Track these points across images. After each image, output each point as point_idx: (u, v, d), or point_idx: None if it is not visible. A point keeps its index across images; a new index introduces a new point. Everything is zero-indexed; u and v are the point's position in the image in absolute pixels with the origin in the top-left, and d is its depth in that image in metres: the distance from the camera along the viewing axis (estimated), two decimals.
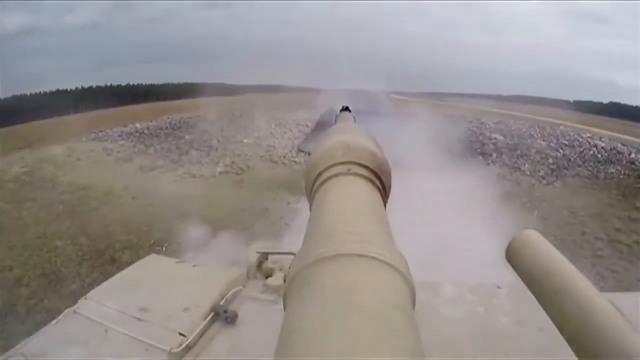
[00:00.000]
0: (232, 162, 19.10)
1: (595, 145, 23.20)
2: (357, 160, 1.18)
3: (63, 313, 1.96)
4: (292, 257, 2.40)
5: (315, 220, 0.92)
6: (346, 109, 2.78)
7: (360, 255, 0.67)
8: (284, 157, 20.01)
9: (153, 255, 2.76)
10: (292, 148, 21.39)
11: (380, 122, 11.48)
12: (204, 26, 60.13)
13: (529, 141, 23.41)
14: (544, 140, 23.83)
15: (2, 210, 13.06)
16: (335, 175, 1.15)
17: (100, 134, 24.03)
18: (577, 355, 0.70)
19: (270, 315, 1.92)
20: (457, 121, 25.50)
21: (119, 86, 39.35)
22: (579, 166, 19.78)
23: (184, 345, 1.71)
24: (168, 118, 27.76)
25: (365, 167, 1.18)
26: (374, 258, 0.67)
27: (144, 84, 40.05)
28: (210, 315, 1.91)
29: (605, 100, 38.89)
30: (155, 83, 40.55)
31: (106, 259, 9.93)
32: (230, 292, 2.09)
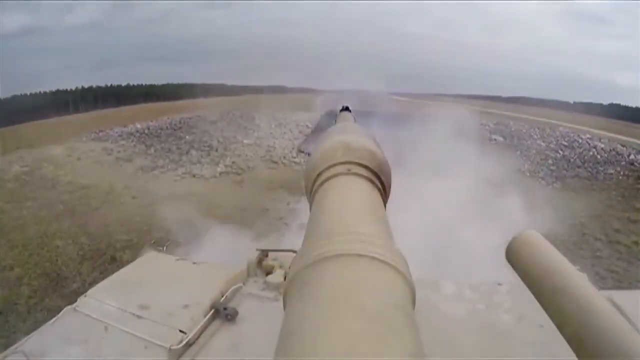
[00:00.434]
0: (233, 162, 19.09)
1: (595, 147, 23.19)
2: (357, 160, 1.18)
3: (63, 311, 1.96)
4: (292, 254, 2.39)
5: (316, 220, 0.93)
6: (346, 109, 2.76)
7: (360, 255, 0.67)
8: (284, 157, 19.98)
9: (153, 253, 2.76)
10: (292, 148, 21.38)
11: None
12: (203, 26, 60.17)
13: (528, 142, 23.40)
14: (543, 142, 23.82)
15: (2, 209, 13.05)
16: (336, 175, 1.15)
17: (100, 134, 24.03)
18: (577, 354, 0.70)
19: (270, 312, 1.92)
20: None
21: (119, 86, 39.37)
22: (579, 167, 19.78)
23: (184, 342, 1.71)
24: (168, 118, 27.72)
25: (365, 167, 1.18)
26: (374, 258, 0.67)
27: (144, 84, 40.09)
28: (210, 312, 1.91)
29: (605, 102, 38.90)
30: (156, 84, 40.59)
31: (106, 258, 9.92)
32: (231, 290, 2.09)
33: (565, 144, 23.58)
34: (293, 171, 17.66)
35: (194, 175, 17.39)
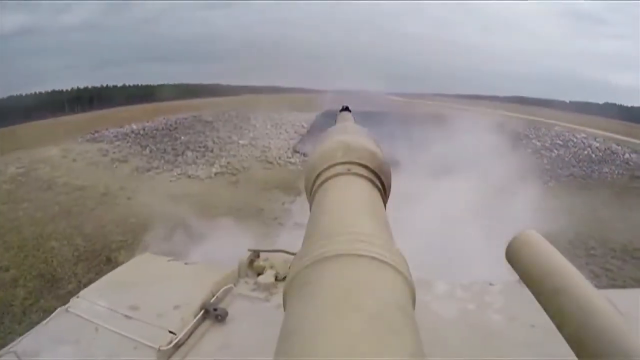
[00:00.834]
0: (228, 162, 19.06)
1: (590, 146, 23.32)
2: (357, 160, 1.18)
3: (55, 312, 1.97)
4: (283, 255, 2.39)
5: (315, 220, 0.92)
6: (346, 109, 2.75)
7: (360, 256, 0.67)
8: (280, 158, 19.98)
9: (146, 254, 2.76)
10: (288, 149, 21.40)
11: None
12: (203, 26, 60.07)
13: (524, 141, 23.50)
14: (538, 141, 23.94)
15: None
16: (335, 175, 1.15)
17: (96, 134, 23.93)
18: (577, 355, 0.70)
19: (260, 313, 1.92)
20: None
21: (115, 87, 39.29)
22: (573, 166, 19.89)
23: (173, 343, 1.70)
24: (164, 119, 27.61)
25: (365, 167, 1.18)
26: (374, 258, 0.67)
27: (140, 84, 40.02)
28: (200, 313, 1.91)
29: (601, 101, 39.22)
30: (151, 84, 40.52)
31: (102, 259, 9.87)
32: (221, 290, 2.08)
33: (560, 143, 23.71)
34: (288, 171, 17.68)
35: (189, 176, 17.35)
